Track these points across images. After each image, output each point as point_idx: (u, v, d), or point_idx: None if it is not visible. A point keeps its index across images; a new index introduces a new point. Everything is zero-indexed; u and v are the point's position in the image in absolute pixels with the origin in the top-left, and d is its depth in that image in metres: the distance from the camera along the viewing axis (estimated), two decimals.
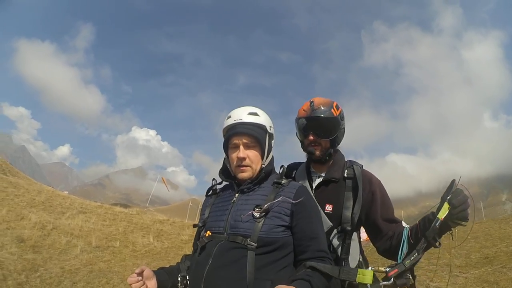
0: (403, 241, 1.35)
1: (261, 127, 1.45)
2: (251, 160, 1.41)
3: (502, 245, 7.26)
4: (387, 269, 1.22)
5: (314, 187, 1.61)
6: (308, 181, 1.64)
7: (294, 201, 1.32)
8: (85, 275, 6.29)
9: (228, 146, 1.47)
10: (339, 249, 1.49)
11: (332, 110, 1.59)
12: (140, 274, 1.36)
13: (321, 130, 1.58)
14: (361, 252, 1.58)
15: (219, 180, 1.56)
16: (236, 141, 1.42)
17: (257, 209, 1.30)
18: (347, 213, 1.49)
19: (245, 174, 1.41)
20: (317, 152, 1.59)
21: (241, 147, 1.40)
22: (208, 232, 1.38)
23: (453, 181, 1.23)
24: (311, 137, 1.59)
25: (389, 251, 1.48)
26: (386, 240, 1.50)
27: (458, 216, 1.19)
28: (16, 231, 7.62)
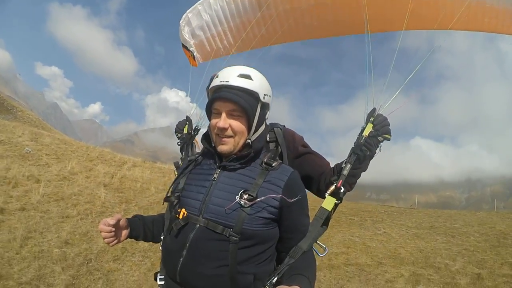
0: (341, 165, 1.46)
1: (252, 94, 1.24)
2: (234, 131, 1.24)
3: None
4: (335, 183, 1.35)
5: None
6: None
7: (283, 192, 1.21)
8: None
9: (211, 111, 1.30)
10: None
11: None
12: (115, 224, 1.31)
13: None
14: None
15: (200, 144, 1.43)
16: (218, 106, 1.25)
17: (245, 196, 1.17)
18: None
19: (225, 147, 1.25)
20: None
21: (223, 115, 1.23)
22: (184, 211, 1.25)
23: (374, 109, 1.45)
24: None
25: (323, 191, 1.48)
26: (319, 182, 1.54)
27: (381, 130, 1.37)
28: (96, 179, 9.51)
